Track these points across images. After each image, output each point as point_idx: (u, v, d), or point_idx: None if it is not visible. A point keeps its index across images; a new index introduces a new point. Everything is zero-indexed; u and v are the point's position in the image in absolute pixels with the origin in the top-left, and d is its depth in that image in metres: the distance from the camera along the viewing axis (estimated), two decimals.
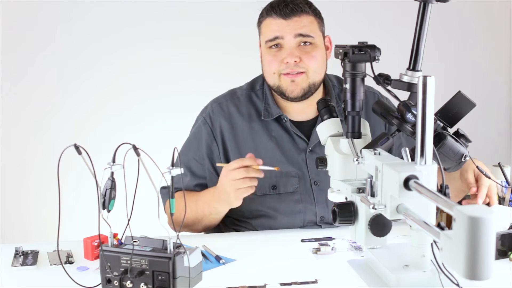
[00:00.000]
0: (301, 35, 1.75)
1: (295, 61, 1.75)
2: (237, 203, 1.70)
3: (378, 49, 1.45)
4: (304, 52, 1.77)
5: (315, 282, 1.39)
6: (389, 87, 1.45)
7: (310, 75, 1.79)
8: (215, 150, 1.87)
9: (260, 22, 1.83)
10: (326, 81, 1.91)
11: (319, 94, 1.87)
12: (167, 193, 1.81)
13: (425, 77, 1.19)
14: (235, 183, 1.64)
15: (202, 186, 1.89)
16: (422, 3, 1.39)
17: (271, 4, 1.80)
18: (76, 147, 1.25)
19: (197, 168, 1.89)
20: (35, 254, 1.57)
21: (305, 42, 1.77)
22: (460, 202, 1.76)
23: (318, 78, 1.81)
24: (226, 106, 1.90)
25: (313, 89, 1.81)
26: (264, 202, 1.83)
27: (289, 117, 1.87)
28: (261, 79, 1.93)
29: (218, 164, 1.80)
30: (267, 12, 1.80)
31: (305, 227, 1.84)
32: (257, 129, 1.87)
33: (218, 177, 1.87)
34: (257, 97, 1.90)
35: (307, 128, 1.87)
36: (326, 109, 1.56)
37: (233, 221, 1.90)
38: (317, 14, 1.81)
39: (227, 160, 1.86)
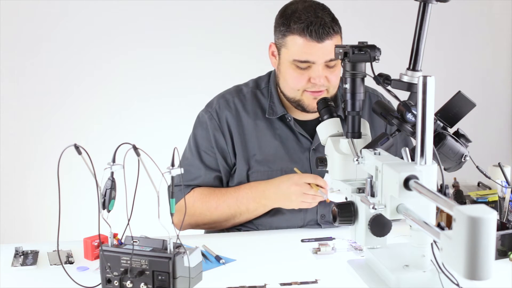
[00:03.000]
0: (331, 60, 1.74)
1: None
2: (292, 207, 1.76)
3: (378, 49, 1.45)
4: (329, 71, 1.76)
5: (315, 282, 1.39)
6: (389, 87, 1.45)
7: (331, 91, 1.80)
8: (223, 144, 1.88)
9: (284, 35, 1.76)
10: None
11: None
12: (179, 191, 1.81)
13: (425, 77, 1.19)
14: (302, 196, 1.71)
15: (220, 179, 1.90)
16: (422, 3, 1.39)
17: (302, 22, 1.72)
18: (76, 147, 1.25)
19: (210, 161, 1.89)
20: (35, 254, 1.57)
21: (330, 60, 1.75)
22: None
23: (335, 91, 1.83)
24: (232, 102, 1.90)
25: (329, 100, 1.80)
26: None
27: (294, 116, 1.88)
28: (266, 78, 1.94)
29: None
30: (298, 30, 1.72)
31: (305, 226, 1.85)
32: (262, 127, 1.87)
33: (230, 170, 1.89)
34: (262, 95, 1.91)
35: (311, 127, 1.87)
36: (326, 109, 1.56)
37: None
38: (340, 29, 1.78)
39: (235, 154, 1.87)
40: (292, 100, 1.83)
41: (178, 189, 1.88)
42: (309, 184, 1.71)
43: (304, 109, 1.82)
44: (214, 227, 1.89)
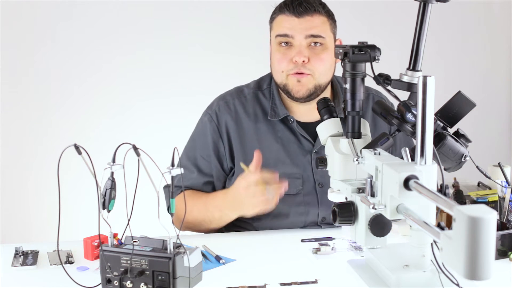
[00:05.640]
0: (312, 35, 1.75)
1: (303, 61, 1.75)
2: (250, 213, 1.69)
3: (378, 49, 1.45)
4: (313, 53, 1.76)
5: (315, 282, 1.39)
6: (389, 87, 1.45)
7: (317, 77, 1.78)
8: (220, 148, 1.87)
9: (272, 18, 1.84)
10: (334, 82, 1.91)
11: (326, 95, 1.86)
12: (169, 191, 1.81)
13: (425, 77, 1.19)
14: (253, 199, 1.64)
15: (210, 184, 1.89)
16: (422, 3, 1.39)
17: (284, 1, 1.80)
18: (76, 147, 1.25)
19: (204, 166, 1.89)
20: (35, 254, 1.57)
21: (315, 43, 1.77)
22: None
23: (325, 80, 1.81)
24: (232, 104, 1.89)
25: (319, 90, 1.80)
26: None
27: (296, 118, 1.87)
28: (268, 78, 1.93)
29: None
30: (280, 9, 1.80)
31: (305, 227, 1.84)
32: (263, 129, 1.86)
33: (225, 174, 1.88)
34: (264, 96, 1.90)
35: (314, 129, 1.85)
36: (326, 109, 1.56)
37: (233, 222, 1.90)
38: (330, 15, 1.81)
39: (232, 159, 1.86)
40: (280, 86, 1.83)
41: (168, 190, 1.88)
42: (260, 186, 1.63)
43: (290, 95, 1.81)
44: (197, 230, 1.87)
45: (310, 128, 1.86)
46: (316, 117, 1.85)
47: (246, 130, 1.86)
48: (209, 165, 1.88)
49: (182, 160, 1.90)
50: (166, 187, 1.90)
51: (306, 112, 1.87)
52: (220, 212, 1.77)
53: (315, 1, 1.79)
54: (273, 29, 1.83)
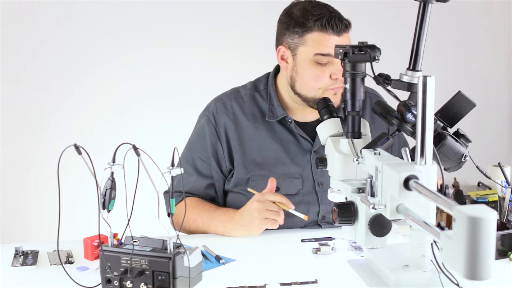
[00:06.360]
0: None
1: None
2: (257, 231, 1.70)
3: (378, 49, 1.45)
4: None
5: (315, 282, 1.39)
6: (389, 87, 1.45)
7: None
8: (219, 150, 1.86)
9: (303, 33, 1.74)
10: None
11: None
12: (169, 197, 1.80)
13: (425, 77, 1.19)
14: (265, 212, 1.66)
15: (212, 187, 1.89)
16: (422, 3, 1.39)
17: (319, 17, 1.73)
18: (76, 147, 1.25)
19: (203, 168, 1.88)
20: (35, 254, 1.57)
21: None
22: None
23: None
24: (230, 105, 1.89)
25: None
26: None
27: (294, 118, 1.87)
28: (265, 79, 1.92)
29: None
30: (316, 25, 1.72)
31: (305, 227, 1.84)
32: (261, 130, 1.86)
33: (224, 177, 1.87)
34: (261, 97, 1.90)
35: (312, 129, 1.85)
36: (326, 109, 1.56)
37: None
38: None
39: (231, 160, 1.86)
40: (310, 100, 1.79)
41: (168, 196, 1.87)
42: (273, 202, 1.68)
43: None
44: (192, 233, 1.86)
45: (308, 128, 1.86)
46: (314, 116, 1.86)
47: (244, 130, 1.86)
48: (208, 167, 1.88)
49: (182, 162, 1.90)
50: (166, 193, 1.90)
51: (304, 112, 1.87)
52: (224, 228, 1.75)
53: (342, 15, 1.76)
54: (308, 45, 1.74)
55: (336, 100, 1.76)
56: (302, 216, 1.65)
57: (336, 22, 1.72)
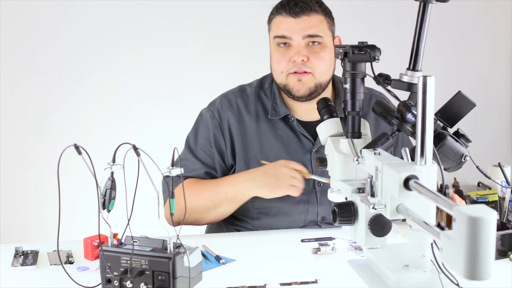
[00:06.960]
0: (309, 35, 1.76)
1: (302, 60, 1.75)
2: (279, 194, 1.72)
3: (378, 49, 1.45)
4: (312, 52, 1.77)
5: (315, 282, 1.39)
6: (389, 87, 1.45)
7: (317, 75, 1.79)
8: (222, 145, 1.87)
9: (270, 19, 1.84)
10: (336, 82, 1.92)
11: (327, 95, 1.86)
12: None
13: (425, 77, 1.19)
14: (291, 179, 1.69)
15: (211, 176, 1.88)
16: (422, 3, 1.39)
17: (281, 2, 1.81)
18: (76, 147, 1.25)
19: (206, 159, 1.88)
20: (35, 254, 1.57)
21: (313, 42, 1.77)
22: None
23: (325, 79, 1.81)
24: (235, 102, 1.90)
25: (319, 89, 1.81)
26: (265, 202, 1.82)
27: (296, 117, 1.88)
28: (270, 78, 1.93)
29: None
30: (277, 10, 1.81)
31: (305, 227, 1.84)
32: (264, 128, 1.87)
33: (227, 170, 1.88)
34: (265, 96, 1.91)
35: (314, 128, 1.86)
36: (326, 109, 1.56)
37: (233, 221, 1.90)
38: (327, 13, 1.81)
39: (233, 155, 1.86)
40: (281, 86, 1.83)
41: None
42: (296, 171, 1.72)
43: (291, 94, 1.82)
44: (199, 220, 1.84)
45: (310, 127, 1.86)
46: (317, 116, 1.86)
47: (247, 128, 1.87)
48: (211, 158, 1.88)
49: (184, 154, 1.91)
50: (167, 177, 1.89)
51: (307, 111, 1.87)
52: (235, 188, 1.77)
53: (311, 0, 1.79)
54: (271, 30, 1.84)
55: (300, 87, 1.79)
56: (325, 180, 1.63)
57: (290, 5, 1.77)
